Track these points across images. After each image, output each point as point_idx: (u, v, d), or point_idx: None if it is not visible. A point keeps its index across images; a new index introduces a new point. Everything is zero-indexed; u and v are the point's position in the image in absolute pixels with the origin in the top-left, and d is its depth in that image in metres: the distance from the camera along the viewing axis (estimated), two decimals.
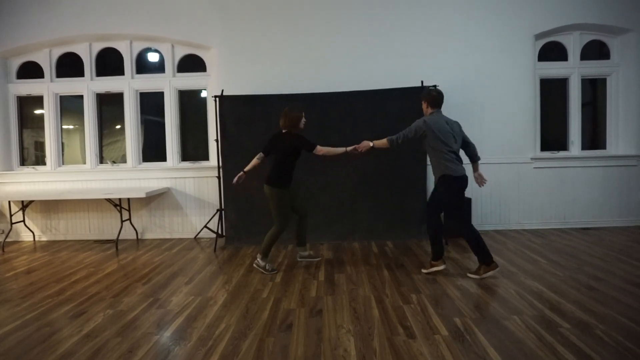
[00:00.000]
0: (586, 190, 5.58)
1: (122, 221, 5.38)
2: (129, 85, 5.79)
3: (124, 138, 5.86)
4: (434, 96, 3.65)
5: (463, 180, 3.59)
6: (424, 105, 3.72)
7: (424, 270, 3.82)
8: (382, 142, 3.69)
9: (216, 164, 5.40)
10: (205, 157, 5.86)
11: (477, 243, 3.57)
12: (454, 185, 3.57)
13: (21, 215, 5.69)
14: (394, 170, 5.18)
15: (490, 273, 3.60)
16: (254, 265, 4.05)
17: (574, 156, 5.61)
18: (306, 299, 3.28)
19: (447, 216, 3.79)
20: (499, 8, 5.44)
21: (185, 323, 2.90)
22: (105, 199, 5.30)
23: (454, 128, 3.66)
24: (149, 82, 5.80)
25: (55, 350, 2.55)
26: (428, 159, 5.23)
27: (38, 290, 3.68)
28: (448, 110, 5.42)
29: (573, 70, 5.67)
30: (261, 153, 4.01)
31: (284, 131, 3.91)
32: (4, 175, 5.81)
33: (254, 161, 4.01)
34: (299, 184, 5.22)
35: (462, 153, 3.73)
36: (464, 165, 3.63)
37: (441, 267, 3.76)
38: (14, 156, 5.96)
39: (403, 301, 3.18)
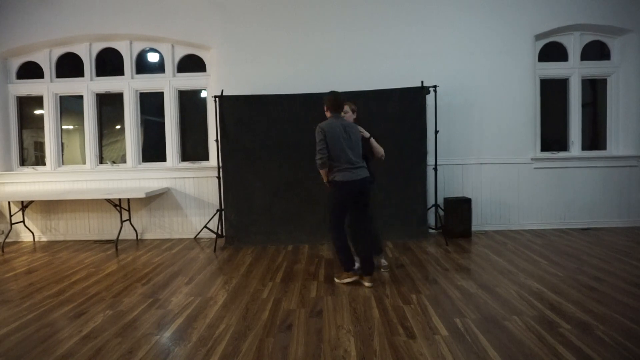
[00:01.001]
0: (586, 190, 5.58)
1: (121, 221, 5.38)
2: (129, 86, 5.79)
3: (124, 138, 5.86)
4: (331, 100, 3.52)
5: (350, 186, 3.42)
6: (325, 110, 3.59)
7: (337, 280, 3.66)
8: (323, 172, 3.52)
9: (216, 164, 5.40)
10: (205, 157, 5.85)
11: (341, 250, 3.53)
12: (338, 191, 3.46)
13: (21, 215, 5.69)
14: (394, 170, 5.18)
15: (348, 280, 3.58)
16: (382, 270, 3.89)
17: (574, 156, 5.61)
18: (306, 299, 3.28)
19: (330, 218, 3.58)
20: (500, 8, 5.44)
21: (186, 323, 2.89)
22: (105, 199, 5.29)
23: (351, 134, 3.49)
24: (149, 82, 5.80)
25: (55, 350, 2.55)
26: (428, 159, 5.27)
27: (38, 290, 3.68)
28: (448, 110, 5.46)
29: (573, 71, 5.67)
30: None
31: None
32: (4, 175, 5.81)
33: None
34: (299, 184, 5.22)
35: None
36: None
37: (352, 279, 3.59)
38: (13, 156, 5.96)
39: (403, 301, 3.17)
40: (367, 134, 3.74)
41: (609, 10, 5.44)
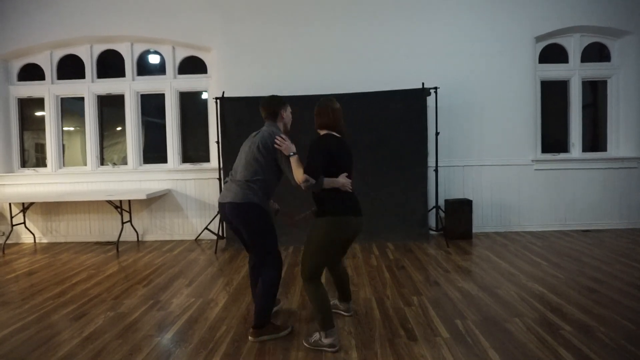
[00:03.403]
0: (587, 192, 5.58)
1: (122, 223, 5.38)
2: (130, 87, 5.79)
3: (125, 140, 5.87)
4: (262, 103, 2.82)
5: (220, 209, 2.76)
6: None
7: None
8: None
9: (217, 166, 5.40)
10: (206, 159, 5.86)
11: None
12: None
13: (22, 217, 5.68)
14: (395, 172, 5.18)
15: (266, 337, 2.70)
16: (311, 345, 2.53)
17: (575, 158, 5.61)
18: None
19: None
20: (500, 10, 5.44)
21: (186, 325, 2.89)
22: (106, 201, 5.29)
23: (250, 143, 2.78)
24: (150, 84, 5.81)
25: (56, 352, 2.55)
26: (429, 160, 5.27)
27: (39, 292, 3.68)
28: (449, 112, 5.45)
29: (573, 73, 5.67)
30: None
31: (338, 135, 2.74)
32: (5, 177, 5.81)
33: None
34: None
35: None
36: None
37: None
38: (14, 158, 5.96)
39: (404, 303, 3.17)
40: (289, 151, 2.71)
41: (609, 12, 5.45)
